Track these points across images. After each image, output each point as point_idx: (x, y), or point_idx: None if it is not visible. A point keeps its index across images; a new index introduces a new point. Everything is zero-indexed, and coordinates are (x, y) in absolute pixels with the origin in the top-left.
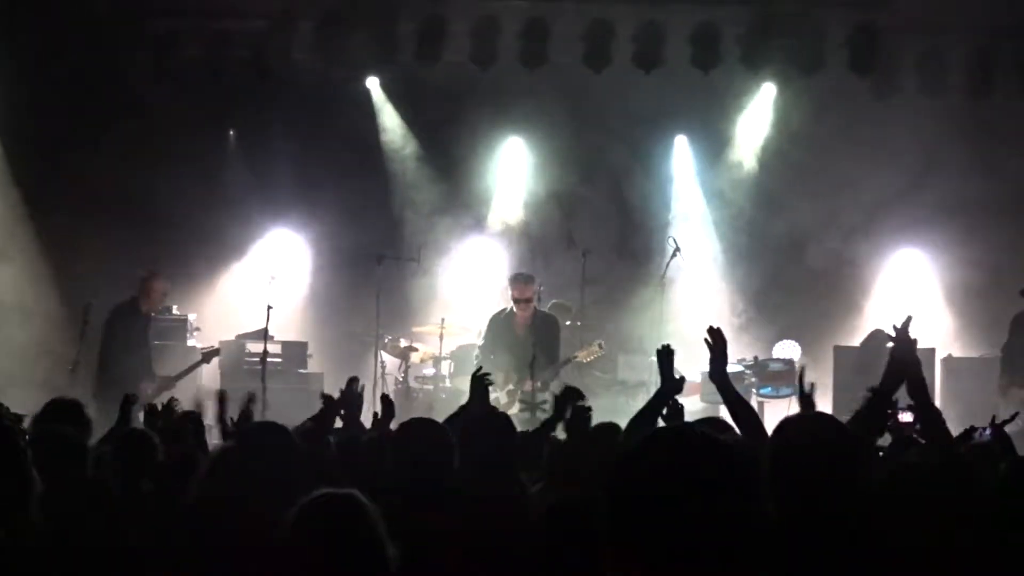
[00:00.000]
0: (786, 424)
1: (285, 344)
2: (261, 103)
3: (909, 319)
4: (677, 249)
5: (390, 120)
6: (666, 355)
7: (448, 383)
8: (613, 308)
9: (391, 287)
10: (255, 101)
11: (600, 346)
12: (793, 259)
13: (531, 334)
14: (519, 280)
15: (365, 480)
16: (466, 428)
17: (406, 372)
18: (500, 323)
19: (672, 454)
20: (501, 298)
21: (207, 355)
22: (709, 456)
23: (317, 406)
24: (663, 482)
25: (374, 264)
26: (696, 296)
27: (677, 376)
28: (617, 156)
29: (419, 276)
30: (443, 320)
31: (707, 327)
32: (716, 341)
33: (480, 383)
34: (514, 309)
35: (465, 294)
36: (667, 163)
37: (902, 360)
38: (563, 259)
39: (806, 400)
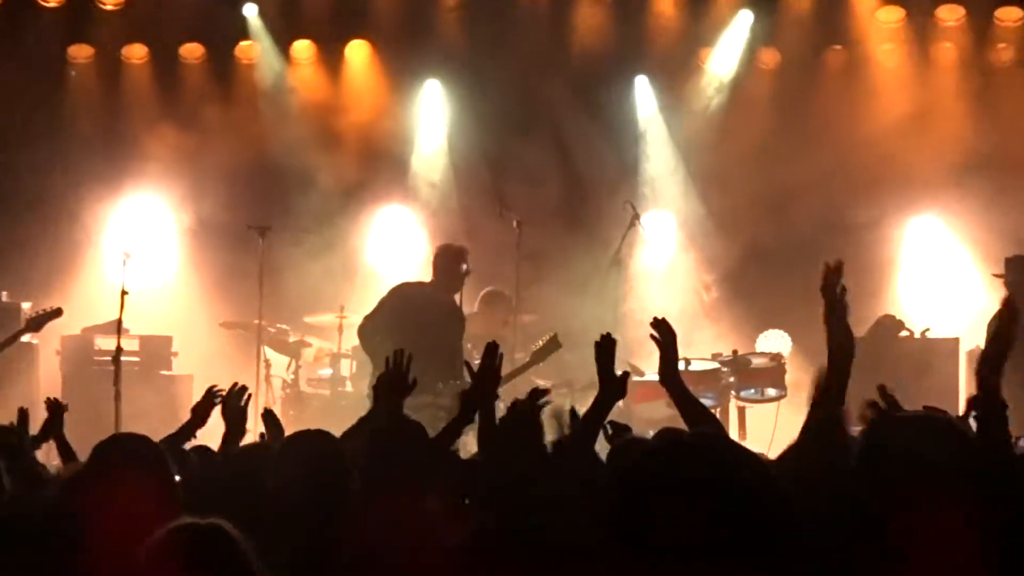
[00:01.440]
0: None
1: (144, 339)
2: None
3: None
4: (636, 216)
5: (269, 55)
6: (605, 348)
7: (349, 387)
8: (556, 290)
9: (278, 267)
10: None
11: (554, 340)
12: (779, 227)
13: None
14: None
15: (241, 506)
16: (371, 442)
17: (296, 373)
18: (405, 298)
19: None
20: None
21: (35, 321)
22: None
23: (183, 417)
24: (680, 489)
25: (256, 237)
26: (660, 275)
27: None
28: (559, 102)
29: (314, 253)
30: (343, 308)
31: (652, 319)
32: (663, 334)
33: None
34: (438, 285)
35: (373, 276)
36: (623, 110)
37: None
38: (493, 230)
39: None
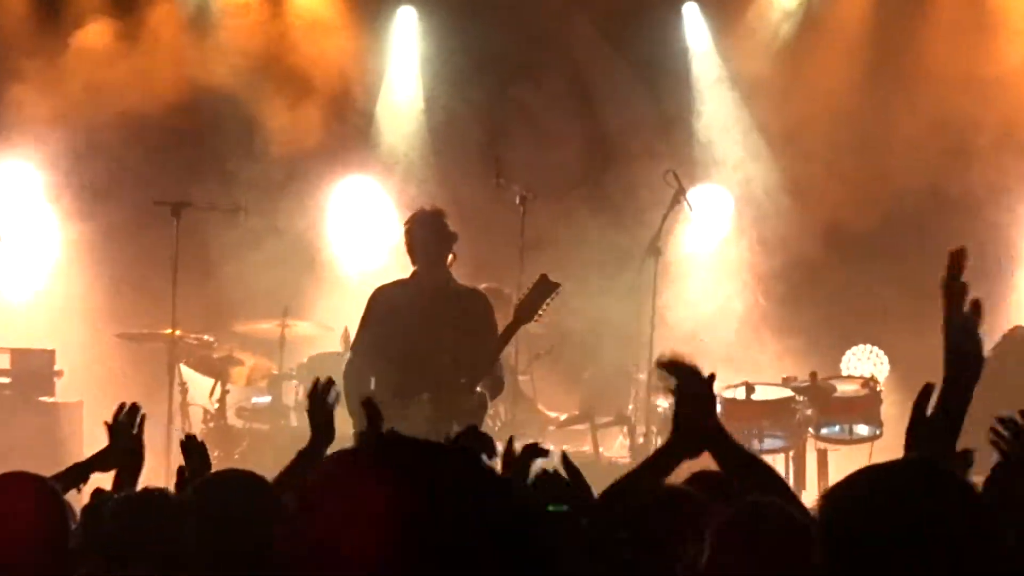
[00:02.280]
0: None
1: (18, 354)
2: None
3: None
4: (680, 191)
5: None
6: (682, 371)
7: (293, 420)
8: (573, 289)
9: (199, 257)
10: None
11: (544, 282)
12: (870, 203)
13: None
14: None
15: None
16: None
17: (222, 400)
18: (392, 299)
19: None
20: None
21: None
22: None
23: (69, 455)
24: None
25: (168, 218)
26: (710, 268)
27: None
28: (578, 35)
29: (249, 239)
30: (287, 314)
31: (657, 359)
32: (681, 374)
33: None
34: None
35: (328, 269)
36: (664, 48)
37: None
38: (488, 207)
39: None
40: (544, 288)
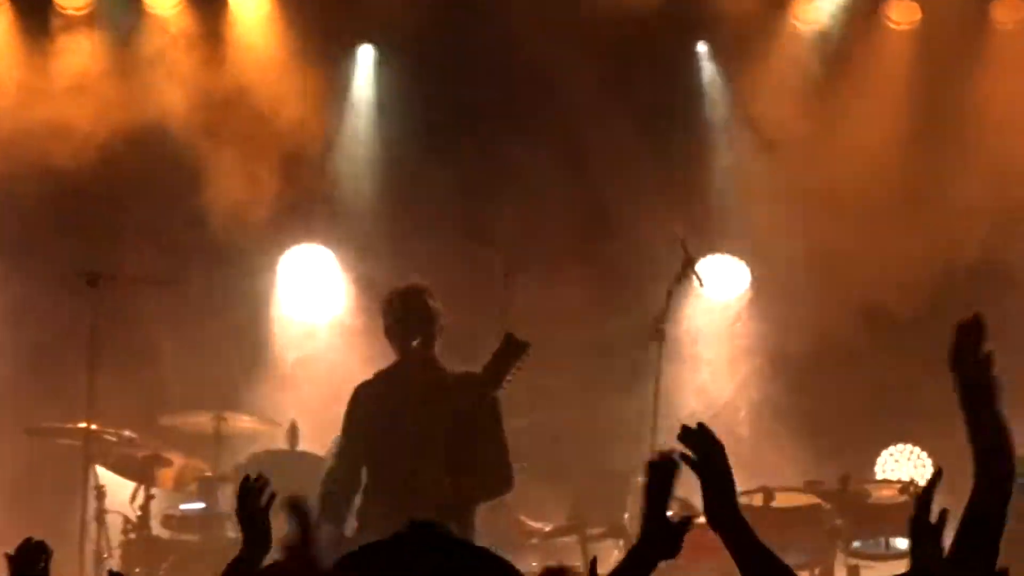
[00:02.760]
0: None
1: None
2: None
3: None
4: (689, 261)
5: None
6: (660, 475)
7: (230, 530)
8: (564, 380)
9: (120, 338)
10: None
11: (511, 342)
12: (912, 273)
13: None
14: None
15: None
16: None
17: (146, 507)
18: (372, 400)
19: None
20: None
21: None
22: None
23: None
24: None
25: (84, 289)
26: (721, 358)
27: (675, 514)
28: (573, 79)
29: (179, 317)
30: (223, 403)
31: (681, 428)
32: (700, 449)
33: (299, 512)
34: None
35: (272, 354)
36: (672, 94)
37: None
38: (465, 281)
39: (925, 535)
40: (511, 350)
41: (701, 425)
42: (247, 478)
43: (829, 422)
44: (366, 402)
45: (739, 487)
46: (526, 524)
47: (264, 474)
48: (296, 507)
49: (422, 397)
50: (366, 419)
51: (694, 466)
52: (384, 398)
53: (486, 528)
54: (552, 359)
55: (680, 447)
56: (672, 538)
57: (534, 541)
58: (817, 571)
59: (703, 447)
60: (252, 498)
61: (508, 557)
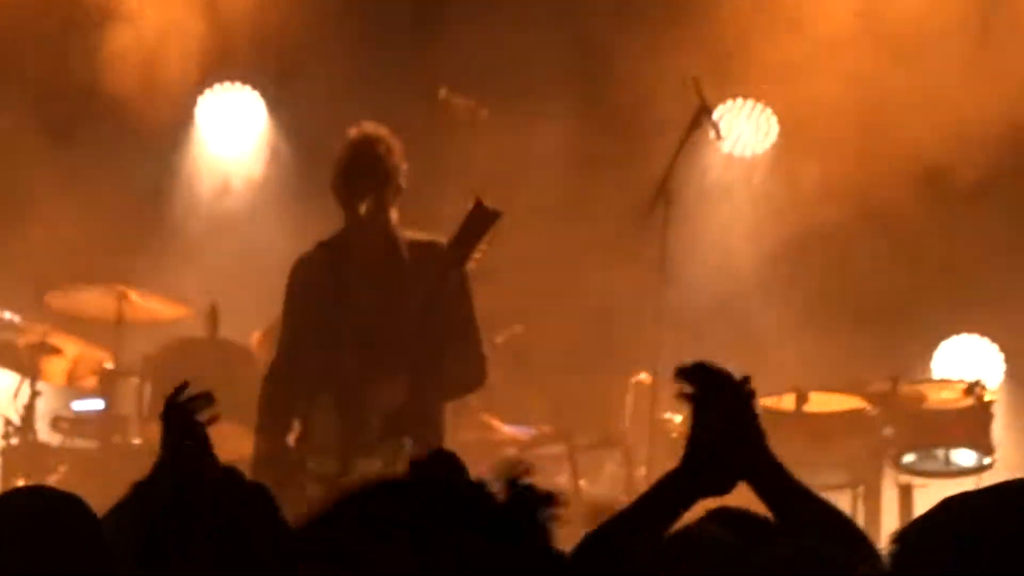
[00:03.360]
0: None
1: None
2: None
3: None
4: (705, 109)
5: None
6: (703, 377)
7: (134, 436)
8: (546, 254)
9: None
10: None
11: (480, 210)
12: (975, 139)
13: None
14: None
15: None
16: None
17: (31, 406)
18: (315, 279)
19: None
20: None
21: None
22: None
23: None
24: None
25: None
26: (743, 227)
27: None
28: None
29: (70, 175)
30: (125, 279)
31: (677, 367)
32: (709, 381)
33: (181, 415)
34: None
35: (184, 219)
36: None
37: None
38: (424, 128)
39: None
40: (480, 218)
41: (703, 365)
42: (182, 386)
43: (875, 309)
44: (306, 280)
45: (766, 388)
46: (499, 431)
47: (178, 371)
48: (172, 410)
49: (373, 273)
50: (307, 302)
51: (699, 407)
52: (327, 275)
53: (448, 436)
54: (530, 226)
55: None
56: (728, 469)
57: (510, 451)
58: (860, 491)
59: (703, 382)
60: (178, 411)
61: (476, 471)
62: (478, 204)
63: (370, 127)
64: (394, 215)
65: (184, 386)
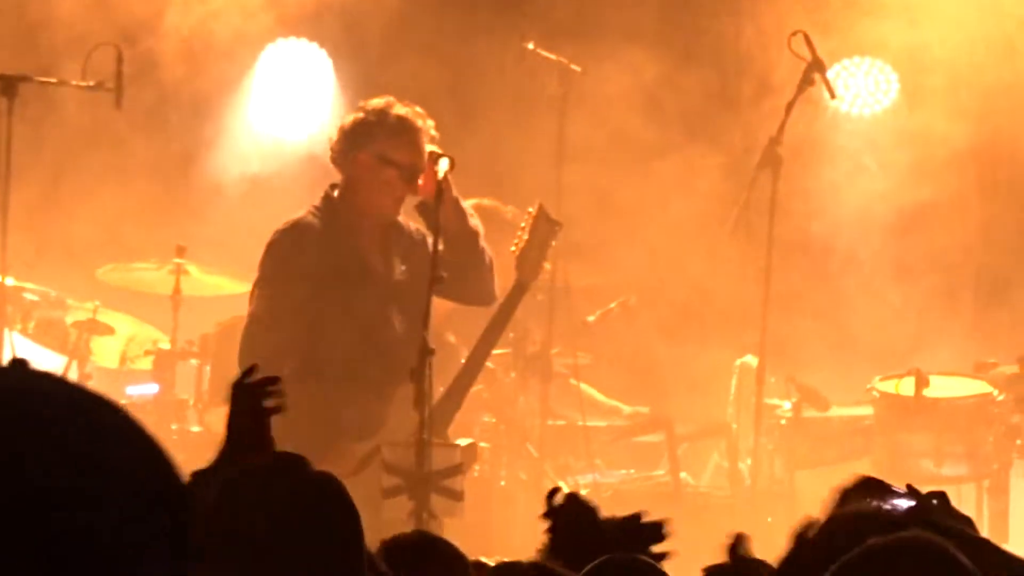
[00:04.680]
0: None
1: None
2: None
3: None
4: (817, 66)
5: None
6: None
7: (193, 422)
8: (643, 227)
9: (40, 164)
10: None
11: (542, 216)
12: None
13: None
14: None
15: None
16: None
17: None
18: (311, 245)
19: None
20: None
21: None
22: None
23: None
24: None
25: None
26: (857, 194)
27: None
28: None
29: (121, 137)
30: (183, 251)
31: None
32: None
33: (249, 398)
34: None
35: (247, 186)
36: None
37: None
38: (509, 86)
39: None
40: (545, 228)
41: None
42: (251, 370)
43: (1004, 284)
44: (294, 250)
45: (882, 370)
46: (602, 404)
47: (243, 352)
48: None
49: (379, 253)
50: (294, 275)
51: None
52: (323, 248)
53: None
54: (624, 195)
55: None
56: None
57: (603, 439)
58: (986, 485)
59: None
60: (248, 396)
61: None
62: (542, 212)
63: (374, 102)
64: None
65: (253, 368)
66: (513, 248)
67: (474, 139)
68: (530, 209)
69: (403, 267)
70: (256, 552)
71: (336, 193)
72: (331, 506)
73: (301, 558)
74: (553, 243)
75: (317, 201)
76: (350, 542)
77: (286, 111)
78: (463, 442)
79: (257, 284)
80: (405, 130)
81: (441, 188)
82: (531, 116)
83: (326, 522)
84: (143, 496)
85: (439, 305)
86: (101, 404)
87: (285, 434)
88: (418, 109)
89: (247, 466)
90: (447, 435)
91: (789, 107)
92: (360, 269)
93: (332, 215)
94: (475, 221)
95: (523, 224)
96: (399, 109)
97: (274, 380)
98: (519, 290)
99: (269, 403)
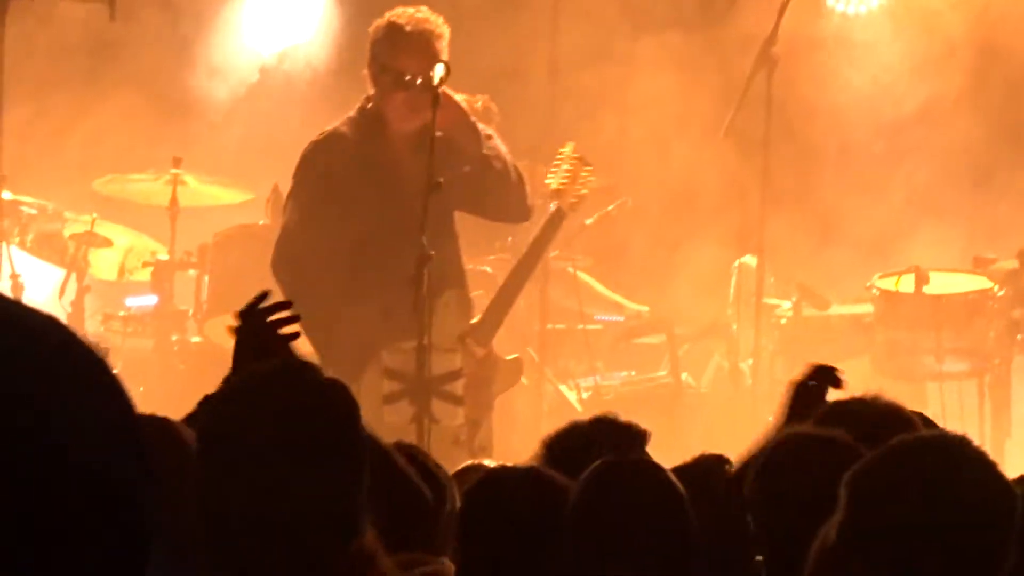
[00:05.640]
0: None
1: None
2: None
3: None
4: None
5: None
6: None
7: (193, 333)
8: (642, 129)
9: (36, 71)
10: None
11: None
12: None
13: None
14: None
15: None
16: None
17: (78, 302)
18: (345, 156)
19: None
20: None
21: None
22: None
23: None
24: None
25: None
26: (856, 93)
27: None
28: None
29: (115, 41)
30: (179, 160)
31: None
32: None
33: (258, 327)
34: (383, 118)
35: (245, 92)
36: None
37: None
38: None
39: None
40: (579, 167)
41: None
42: (262, 295)
43: (1005, 174)
44: (334, 162)
45: (882, 267)
46: (606, 298)
47: (241, 262)
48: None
49: (411, 159)
50: (322, 195)
51: None
52: (353, 159)
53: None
54: (616, 94)
55: None
56: None
57: (604, 341)
58: (988, 380)
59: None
60: (257, 319)
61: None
62: (558, 210)
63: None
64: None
65: (265, 295)
66: (549, 181)
67: (465, 42)
68: (563, 150)
69: (440, 177)
70: (258, 455)
71: (370, 104)
72: (335, 411)
73: (303, 463)
74: (588, 182)
75: (352, 111)
76: (352, 448)
77: (278, 22)
78: (510, 357)
79: (290, 195)
80: (395, 36)
81: (436, 95)
82: (519, 23)
83: (330, 427)
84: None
85: None
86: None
87: (325, 347)
88: (420, 14)
89: (253, 370)
90: (492, 349)
91: (783, 6)
92: (391, 178)
93: (364, 125)
94: (493, 143)
95: (557, 161)
96: (396, 16)
97: (287, 305)
98: (559, 216)
99: (286, 329)
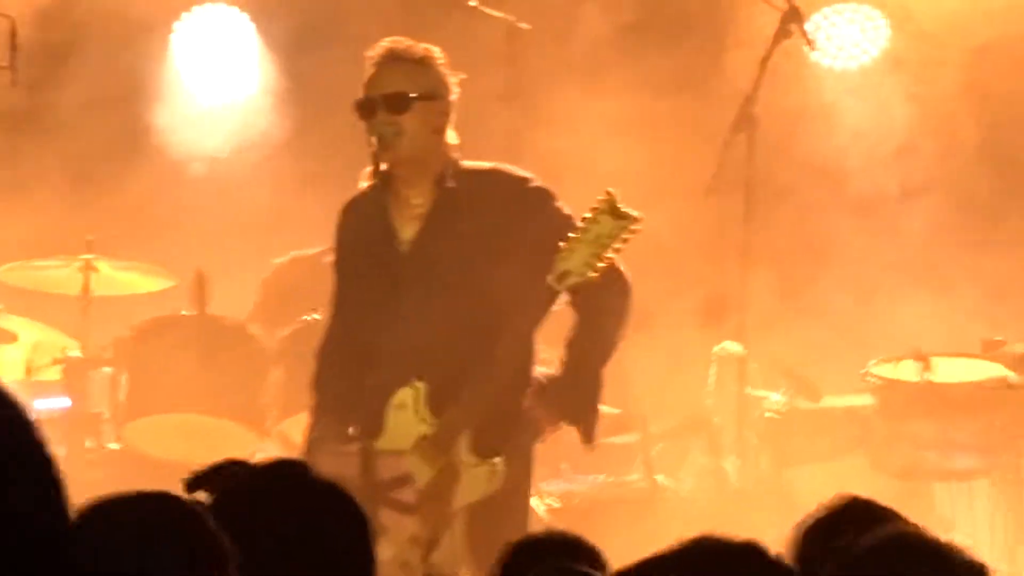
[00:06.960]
0: None
1: None
2: None
3: None
4: (794, 15)
5: None
6: None
7: (109, 439)
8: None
9: None
10: None
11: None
12: None
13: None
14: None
15: None
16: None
17: None
18: (359, 217)
19: None
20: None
21: None
22: None
23: None
24: None
25: None
26: (844, 156)
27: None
28: None
29: (23, 116)
30: (91, 245)
31: None
32: None
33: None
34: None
35: (162, 169)
36: None
37: None
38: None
39: None
40: (609, 212)
41: None
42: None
43: (1015, 253)
44: (355, 223)
45: (884, 351)
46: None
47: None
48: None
49: (431, 211)
50: (356, 250)
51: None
52: (377, 214)
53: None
54: (584, 171)
55: None
56: None
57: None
58: (998, 478)
59: None
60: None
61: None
62: (612, 202)
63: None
64: (450, 138)
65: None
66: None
67: None
68: (599, 197)
69: (438, 239)
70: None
71: None
72: (339, 514)
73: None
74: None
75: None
76: (359, 550)
77: (211, 80)
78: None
79: None
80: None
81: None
82: (476, 76)
83: (334, 531)
84: None
85: None
86: None
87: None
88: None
89: (250, 469)
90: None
91: (763, 62)
92: (382, 241)
93: (378, 181)
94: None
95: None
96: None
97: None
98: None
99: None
